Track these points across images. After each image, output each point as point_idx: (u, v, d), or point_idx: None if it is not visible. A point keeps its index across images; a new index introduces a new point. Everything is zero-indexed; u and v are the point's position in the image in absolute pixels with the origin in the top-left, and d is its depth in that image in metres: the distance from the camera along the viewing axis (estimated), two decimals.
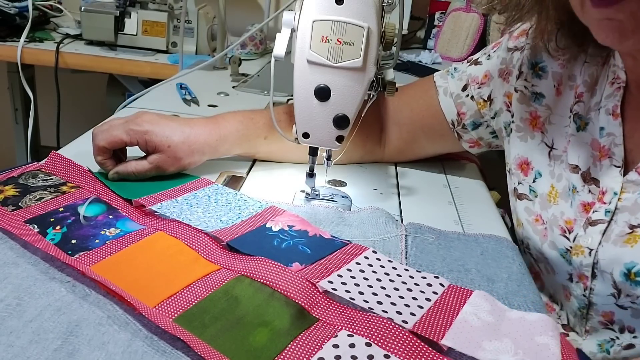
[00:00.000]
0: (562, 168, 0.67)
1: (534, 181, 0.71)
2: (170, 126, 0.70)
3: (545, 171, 0.70)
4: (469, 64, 0.81)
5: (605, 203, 0.60)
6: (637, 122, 0.59)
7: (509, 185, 0.77)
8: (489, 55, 0.78)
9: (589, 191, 0.61)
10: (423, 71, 1.53)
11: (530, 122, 0.72)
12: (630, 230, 0.57)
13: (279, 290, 0.50)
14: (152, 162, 0.69)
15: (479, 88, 0.78)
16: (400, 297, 0.52)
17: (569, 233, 0.64)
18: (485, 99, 0.77)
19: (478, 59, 0.80)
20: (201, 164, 0.74)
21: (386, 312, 0.49)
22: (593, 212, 0.61)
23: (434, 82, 0.82)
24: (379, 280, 0.54)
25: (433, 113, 0.82)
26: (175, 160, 0.70)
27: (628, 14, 0.48)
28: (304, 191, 0.72)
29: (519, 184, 0.73)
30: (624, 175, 0.59)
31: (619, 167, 0.59)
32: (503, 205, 0.84)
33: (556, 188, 0.67)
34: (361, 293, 0.51)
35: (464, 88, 0.79)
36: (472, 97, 0.78)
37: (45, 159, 0.70)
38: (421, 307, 0.51)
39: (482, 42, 1.69)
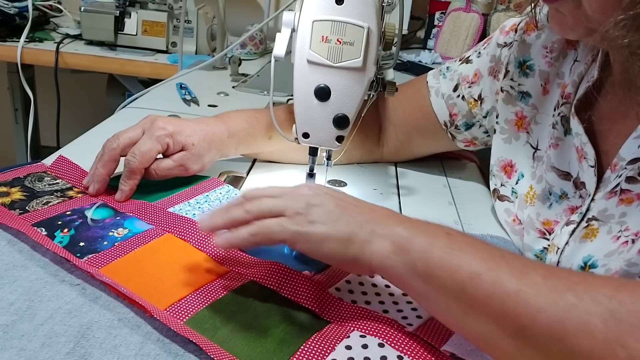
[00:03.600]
0: (542, 169, 0.66)
1: (516, 183, 0.70)
2: (189, 126, 0.70)
3: (528, 172, 0.69)
4: (460, 62, 0.80)
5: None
6: (613, 123, 0.58)
7: (490, 185, 0.76)
8: (479, 53, 0.77)
9: (580, 196, 0.60)
10: (423, 71, 1.51)
11: (515, 123, 0.71)
12: (587, 224, 0.56)
13: (289, 297, 0.50)
14: (177, 160, 0.68)
15: (469, 87, 0.77)
16: (408, 302, 0.52)
17: (549, 234, 0.63)
18: (476, 98, 0.77)
19: (469, 56, 0.79)
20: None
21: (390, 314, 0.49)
22: (575, 214, 0.60)
23: (427, 82, 0.82)
24: (387, 286, 0.54)
25: (425, 114, 0.81)
26: (199, 157, 0.70)
27: (568, 11, 0.50)
28: None
29: (501, 185, 0.73)
30: (602, 176, 0.57)
31: (592, 167, 0.57)
32: None
33: (534, 189, 0.66)
34: (367, 302, 0.51)
35: (455, 88, 0.78)
36: (463, 97, 0.78)
37: (52, 162, 0.70)
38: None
39: None
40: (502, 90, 0.72)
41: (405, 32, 1.78)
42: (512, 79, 0.71)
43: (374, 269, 0.46)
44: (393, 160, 0.89)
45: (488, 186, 0.86)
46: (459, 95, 0.78)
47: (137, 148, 0.65)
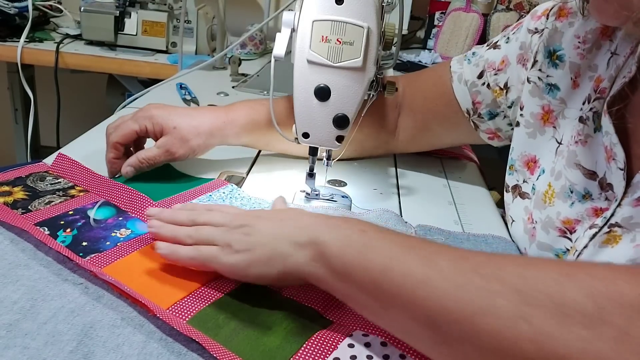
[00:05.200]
0: (562, 164, 0.62)
1: (537, 179, 0.68)
2: (177, 110, 0.71)
3: (548, 168, 0.65)
4: (487, 47, 0.76)
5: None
6: None
7: (508, 180, 0.73)
8: (508, 38, 0.73)
9: (606, 198, 0.57)
10: None
11: (541, 117, 0.67)
12: (609, 230, 0.54)
13: (292, 297, 0.51)
14: (160, 146, 0.69)
15: (495, 74, 0.73)
16: None
17: (571, 233, 0.60)
18: (502, 86, 0.73)
19: (497, 42, 0.75)
20: (209, 150, 0.74)
21: None
22: (599, 217, 0.57)
23: (450, 67, 0.78)
24: None
25: (447, 101, 0.78)
26: (183, 141, 0.69)
27: None
28: (304, 191, 0.72)
29: (523, 182, 0.70)
30: (631, 179, 0.54)
31: (622, 169, 0.54)
32: (503, 205, 0.84)
33: (553, 187, 0.63)
34: None
35: (480, 75, 0.75)
36: (488, 85, 0.74)
37: (53, 161, 0.70)
38: None
39: (482, 42, 1.68)
40: (528, 81, 0.68)
41: (405, 32, 1.78)
42: (540, 70, 0.67)
43: (303, 277, 0.47)
44: (409, 150, 0.87)
45: (488, 186, 0.86)
46: (484, 83, 0.75)
47: (121, 126, 0.70)
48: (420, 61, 1.69)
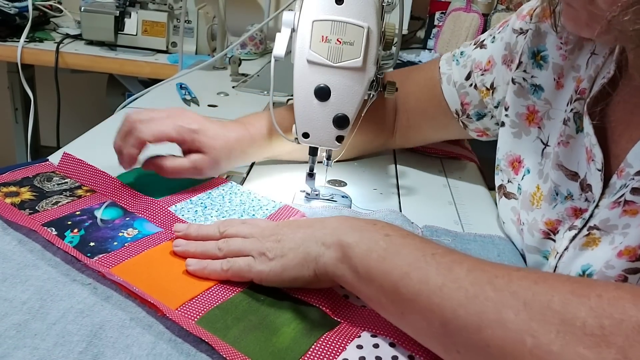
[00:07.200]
0: (549, 167, 0.62)
1: (522, 179, 0.68)
2: (214, 129, 0.68)
3: (535, 169, 0.66)
4: (475, 46, 0.76)
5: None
6: (626, 126, 0.54)
7: (495, 180, 0.73)
8: (494, 38, 0.73)
9: (586, 199, 0.57)
10: None
11: (526, 117, 0.67)
12: (588, 233, 0.54)
13: (300, 298, 0.51)
14: (193, 162, 0.66)
15: (482, 75, 0.74)
16: None
17: (554, 234, 0.60)
18: (488, 87, 0.73)
19: (484, 40, 0.75)
20: None
21: None
22: (578, 219, 0.57)
23: (439, 67, 0.79)
24: None
25: (437, 102, 0.79)
26: (215, 163, 0.68)
27: (580, 5, 0.49)
28: (304, 191, 0.72)
29: (508, 182, 0.70)
30: (608, 181, 0.54)
31: (600, 170, 0.54)
32: None
33: (541, 190, 0.63)
34: None
35: (468, 76, 0.75)
36: (475, 86, 0.75)
37: (59, 160, 0.70)
38: None
39: None
40: (513, 82, 0.68)
41: (405, 32, 1.78)
42: (524, 71, 0.67)
43: (332, 278, 0.48)
44: (403, 146, 0.90)
45: (488, 186, 0.86)
46: (471, 84, 0.75)
47: (155, 124, 0.64)
48: (420, 61, 1.69)
